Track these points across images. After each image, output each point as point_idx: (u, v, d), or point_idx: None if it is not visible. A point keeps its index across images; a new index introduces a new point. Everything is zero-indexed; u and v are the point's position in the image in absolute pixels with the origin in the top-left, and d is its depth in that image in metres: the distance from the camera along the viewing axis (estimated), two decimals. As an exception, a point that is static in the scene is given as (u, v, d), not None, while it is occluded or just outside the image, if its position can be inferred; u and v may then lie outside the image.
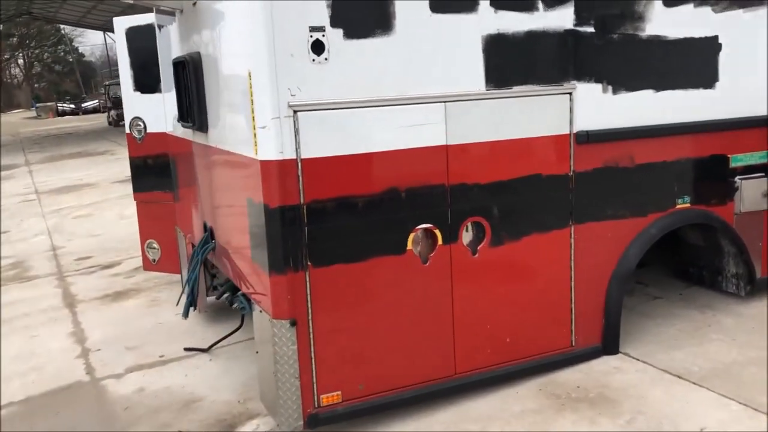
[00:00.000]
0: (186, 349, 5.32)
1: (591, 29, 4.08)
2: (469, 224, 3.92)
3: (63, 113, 56.57)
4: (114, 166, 18.61)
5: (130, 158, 6.51)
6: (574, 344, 4.35)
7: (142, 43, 6.11)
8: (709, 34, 4.48)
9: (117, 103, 38.06)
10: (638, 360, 4.39)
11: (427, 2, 3.63)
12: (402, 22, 3.58)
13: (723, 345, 4.52)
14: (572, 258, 4.23)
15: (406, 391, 3.89)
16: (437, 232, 3.83)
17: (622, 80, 4.22)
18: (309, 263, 3.56)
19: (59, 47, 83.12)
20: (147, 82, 6.16)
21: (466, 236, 3.93)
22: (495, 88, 3.87)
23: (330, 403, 3.71)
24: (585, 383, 4.15)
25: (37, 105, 61.80)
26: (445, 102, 3.75)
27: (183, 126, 4.91)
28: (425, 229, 3.80)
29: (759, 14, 4.63)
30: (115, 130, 33.18)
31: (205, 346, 5.35)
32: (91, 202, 12.98)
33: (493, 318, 4.08)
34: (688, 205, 4.60)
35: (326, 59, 3.45)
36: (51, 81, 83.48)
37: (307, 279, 3.57)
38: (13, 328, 6.28)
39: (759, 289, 5.03)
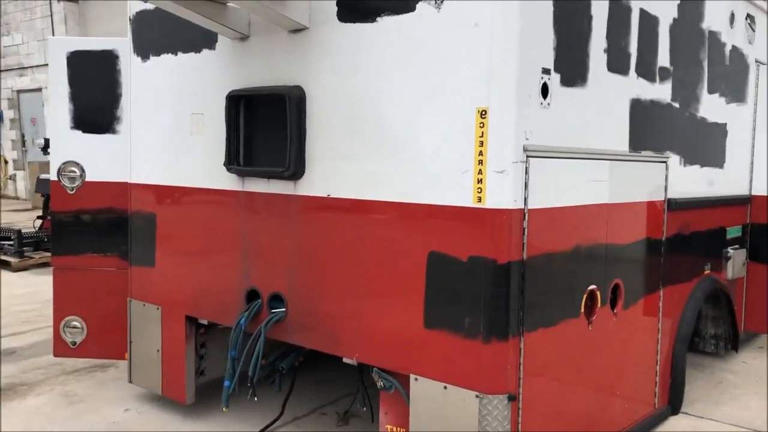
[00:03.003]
0: (199, 452, 4.22)
1: (677, 105, 4.41)
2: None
3: None
4: None
5: (53, 213, 5.13)
6: (656, 406, 4.43)
7: (93, 72, 4.97)
8: (723, 121, 5.12)
9: None
10: (703, 418, 4.62)
11: (605, 61, 3.61)
12: (592, 76, 3.50)
13: (755, 397, 4.97)
14: (660, 319, 4.37)
15: (574, 467, 3.58)
16: (598, 293, 3.68)
17: (687, 154, 4.59)
18: (524, 328, 3.16)
19: None
20: (95, 120, 4.98)
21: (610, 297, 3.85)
22: (633, 150, 3.94)
23: (529, 489, 3.25)
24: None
25: None
26: (610, 160, 3.71)
27: (231, 171, 4.05)
28: (590, 291, 3.64)
29: (744, 108, 5.43)
30: None
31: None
32: None
33: (613, 382, 4.00)
34: (709, 272, 5.07)
35: (549, 104, 3.21)
36: None
37: (522, 346, 3.15)
38: None
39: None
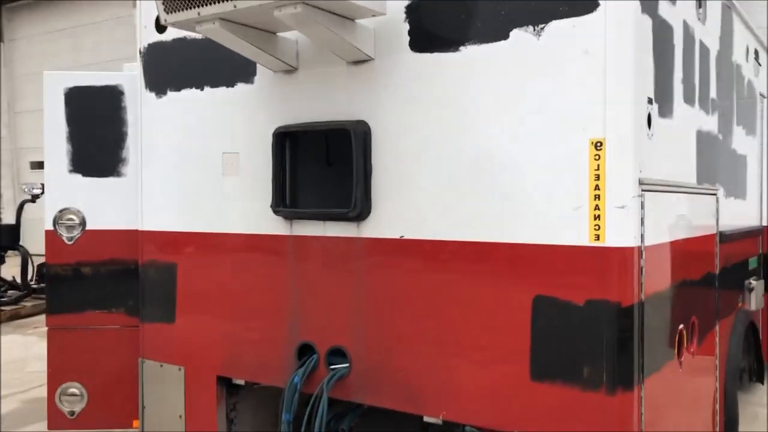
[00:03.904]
0: None
1: (721, 136, 4.37)
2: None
3: None
4: None
5: (48, 266, 4.58)
6: (717, 445, 4.29)
7: (94, 109, 4.53)
8: (744, 153, 5.15)
9: None
10: (757, 454, 4.51)
11: (682, 92, 3.51)
12: (676, 107, 3.39)
13: None
14: (717, 355, 4.25)
15: None
16: (685, 332, 3.52)
17: (727, 185, 4.55)
18: (643, 375, 2.93)
19: None
20: (97, 162, 4.53)
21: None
22: (699, 183, 3.85)
23: None
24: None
25: None
26: (688, 193, 3.60)
27: (279, 214, 3.69)
28: (680, 331, 3.47)
29: (755, 140, 5.50)
30: None
31: None
32: None
33: (694, 424, 3.84)
34: (741, 304, 5.03)
35: (652, 135, 3.05)
36: None
37: (642, 394, 2.92)
38: None
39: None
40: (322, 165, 4.17)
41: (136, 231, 4.41)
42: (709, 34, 3.98)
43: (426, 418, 3.32)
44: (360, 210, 3.41)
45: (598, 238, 2.83)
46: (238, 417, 4.27)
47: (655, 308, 3.07)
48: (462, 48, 3.15)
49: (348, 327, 3.52)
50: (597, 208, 2.83)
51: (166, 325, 4.27)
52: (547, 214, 2.95)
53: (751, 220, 5.41)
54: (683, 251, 3.50)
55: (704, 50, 3.91)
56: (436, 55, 3.23)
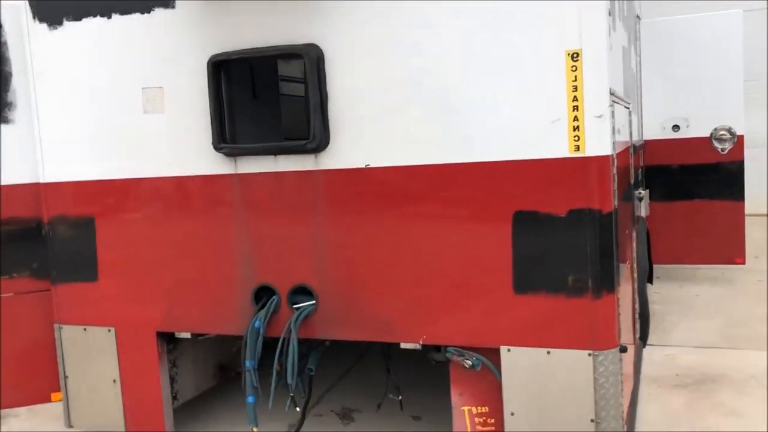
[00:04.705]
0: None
1: (628, 54, 4.60)
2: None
3: None
4: None
5: (-72, 232, 3.96)
6: (636, 341, 4.65)
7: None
8: (635, 69, 5.47)
9: None
10: (666, 345, 4.97)
11: (618, 7, 3.63)
12: (617, 22, 3.50)
13: (700, 321, 5.42)
14: (634, 258, 4.56)
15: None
16: (628, 238, 3.73)
17: (631, 100, 4.83)
18: (618, 278, 3.08)
19: None
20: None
21: (627, 242, 3.93)
22: (625, 96, 4.03)
23: None
24: (670, 371, 4.51)
25: None
26: (623, 106, 3.76)
27: (222, 151, 3.41)
28: (626, 234, 3.67)
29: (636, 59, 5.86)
30: None
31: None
32: None
33: (630, 323, 4.13)
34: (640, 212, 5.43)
35: (611, 47, 3.12)
36: None
37: (619, 296, 3.08)
38: None
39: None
40: (249, 97, 3.90)
41: (37, 184, 3.91)
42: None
43: (403, 345, 3.29)
44: (319, 141, 3.23)
45: (578, 149, 2.88)
46: (179, 374, 4.01)
47: (620, 216, 3.21)
48: (426, -41, 3.02)
49: (312, 264, 3.37)
50: (576, 119, 2.87)
51: (87, 284, 3.86)
52: (523, 129, 2.95)
53: (637, 135, 5.81)
54: (623, 162, 3.68)
55: (621, -33, 4.05)
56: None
